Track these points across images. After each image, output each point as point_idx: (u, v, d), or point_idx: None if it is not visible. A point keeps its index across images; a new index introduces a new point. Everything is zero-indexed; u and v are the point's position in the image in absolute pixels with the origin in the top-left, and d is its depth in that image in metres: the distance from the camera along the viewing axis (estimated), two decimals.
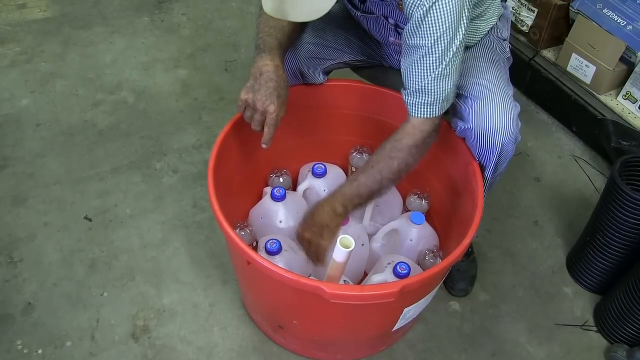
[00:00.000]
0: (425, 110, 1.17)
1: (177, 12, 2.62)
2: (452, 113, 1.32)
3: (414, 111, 1.18)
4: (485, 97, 1.23)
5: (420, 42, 1.09)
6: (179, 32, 2.51)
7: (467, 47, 1.33)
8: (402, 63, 1.17)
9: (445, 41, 1.08)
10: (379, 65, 1.53)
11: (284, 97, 1.23)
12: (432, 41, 1.08)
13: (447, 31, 1.07)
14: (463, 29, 1.10)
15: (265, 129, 1.23)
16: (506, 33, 1.46)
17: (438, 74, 1.12)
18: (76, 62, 2.31)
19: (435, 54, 1.10)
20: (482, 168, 1.30)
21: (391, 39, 1.36)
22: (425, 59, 1.11)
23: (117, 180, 1.84)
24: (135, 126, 2.03)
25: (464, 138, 1.30)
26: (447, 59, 1.11)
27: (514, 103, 1.26)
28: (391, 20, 1.29)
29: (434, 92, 1.14)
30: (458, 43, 1.10)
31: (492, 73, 1.28)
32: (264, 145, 1.24)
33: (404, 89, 1.19)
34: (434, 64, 1.11)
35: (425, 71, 1.12)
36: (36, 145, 1.94)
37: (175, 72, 2.29)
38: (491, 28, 1.41)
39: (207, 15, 2.62)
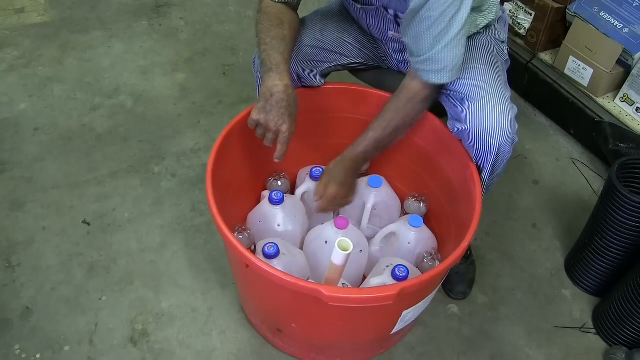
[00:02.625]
0: (436, 76, 1.21)
1: (175, 16, 2.63)
2: (449, 114, 1.33)
3: (424, 76, 1.22)
4: (482, 99, 1.24)
5: (428, 12, 1.12)
6: (177, 36, 2.51)
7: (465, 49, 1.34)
8: (407, 35, 1.20)
9: (451, 12, 1.11)
10: (377, 68, 1.54)
11: (295, 114, 1.26)
12: (440, 12, 1.11)
13: (454, 3, 1.11)
14: (468, 3, 1.13)
15: (279, 147, 1.25)
16: (504, 36, 1.47)
17: (447, 43, 1.15)
18: (74, 66, 2.31)
19: (442, 24, 1.13)
20: (480, 170, 1.30)
21: (391, 33, 1.36)
22: (433, 29, 1.14)
23: (115, 184, 1.84)
24: (133, 130, 2.04)
25: (461, 140, 1.30)
26: (456, 28, 1.14)
27: (511, 105, 1.26)
28: (391, 11, 1.30)
29: (444, 59, 1.18)
30: (465, 14, 1.13)
31: (490, 75, 1.29)
32: (276, 160, 1.27)
33: (414, 56, 1.21)
34: (442, 34, 1.14)
35: (434, 40, 1.16)
36: (34, 150, 1.94)
37: (174, 76, 2.29)
38: (489, 29, 1.42)
39: (205, 20, 2.62)
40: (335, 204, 1.40)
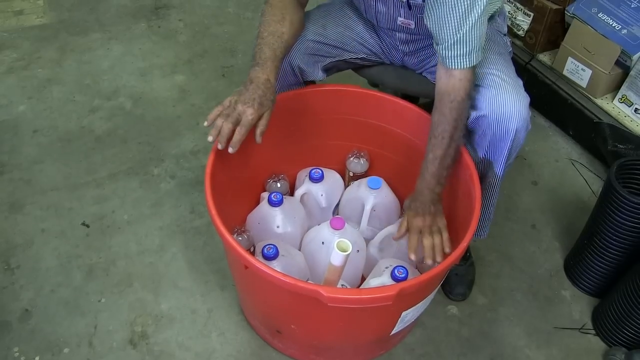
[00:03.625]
0: (466, 60, 1.20)
1: (174, 18, 2.63)
2: None
3: (454, 64, 1.21)
4: (498, 85, 1.26)
5: None
6: (176, 38, 2.51)
7: None
8: (429, 21, 1.20)
9: None
10: (380, 64, 1.54)
11: (267, 107, 1.23)
12: None
13: None
14: None
15: (237, 129, 1.20)
16: (505, 28, 1.50)
17: (472, 24, 1.16)
18: (73, 68, 2.31)
19: (465, 4, 1.14)
20: (489, 165, 1.32)
21: (400, 19, 1.37)
22: (455, 10, 1.15)
23: (114, 186, 1.84)
24: (132, 132, 2.04)
25: (474, 129, 1.31)
26: (478, 9, 1.15)
27: (524, 91, 1.29)
28: None
29: (471, 41, 1.18)
30: None
31: (501, 64, 1.31)
32: (230, 149, 1.20)
33: (438, 45, 1.21)
34: (465, 14, 1.15)
35: (458, 23, 1.16)
36: (33, 152, 1.94)
37: (173, 78, 2.29)
38: (491, 22, 1.43)
39: (204, 21, 2.62)
40: (425, 233, 1.30)
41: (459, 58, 1.20)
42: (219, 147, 1.22)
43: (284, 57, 1.33)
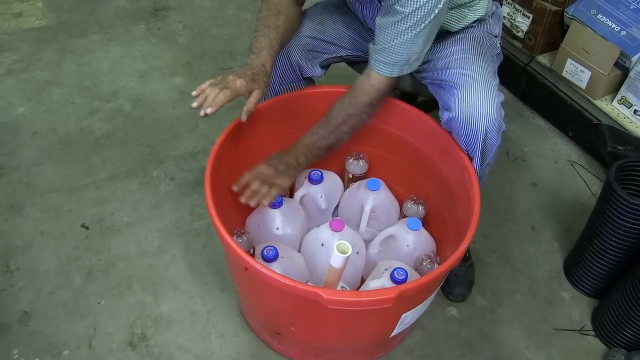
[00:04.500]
0: (387, 68, 1.26)
1: (174, 20, 2.63)
2: (440, 106, 1.35)
3: (376, 67, 1.27)
4: (468, 86, 1.27)
5: (400, 8, 1.16)
6: (175, 40, 2.51)
7: (456, 40, 1.38)
8: (377, 20, 1.24)
9: (422, 13, 1.16)
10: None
11: (257, 85, 1.22)
12: (411, 10, 1.16)
13: (427, 4, 1.14)
14: (442, 5, 1.16)
15: (222, 91, 1.17)
16: (497, 30, 1.50)
17: (407, 40, 1.20)
18: (73, 70, 2.31)
19: (410, 21, 1.17)
20: (470, 160, 1.33)
21: None
22: (400, 24, 1.19)
23: (114, 188, 1.84)
24: (132, 134, 2.04)
25: (450, 131, 1.32)
26: (419, 29, 1.19)
27: (497, 92, 1.28)
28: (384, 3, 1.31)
29: (400, 54, 1.23)
30: (433, 17, 1.17)
31: (478, 64, 1.31)
32: (209, 110, 1.15)
33: (373, 44, 1.26)
34: (406, 30, 1.19)
35: (396, 34, 1.20)
36: (33, 154, 1.94)
37: (172, 80, 2.29)
38: (483, 23, 1.44)
39: (203, 23, 2.63)
40: (259, 180, 1.30)
41: (383, 64, 1.26)
42: (201, 113, 1.16)
43: (280, 48, 1.35)
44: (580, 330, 1.55)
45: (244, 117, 1.24)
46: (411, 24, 1.17)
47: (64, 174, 1.88)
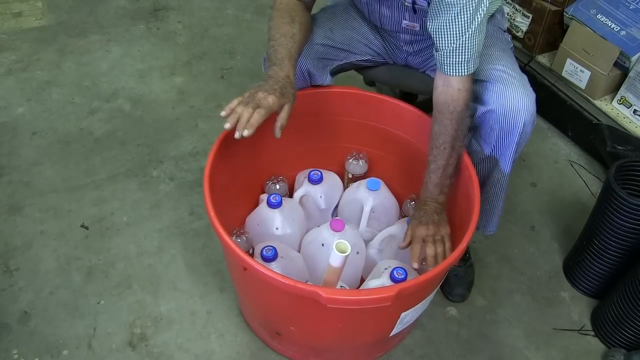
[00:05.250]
0: (464, 67, 1.22)
1: (173, 20, 2.63)
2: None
3: (452, 71, 1.23)
4: (505, 80, 1.27)
5: (453, 0, 1.15)
6: (175, 40, 2.51)
7: None
8: (431, 25, 1.21)
9: None
10: (383, 64, 1.54)
11: (287, 99, 1.18)
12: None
13: None
14: None
15: (256, 111, 1.12)
16: (505, 25, 1.51)
17: (474, 30, 1.18)
18: (72, 70, 2.31)
19: (470, 8, 1.15)
20: (496, 161, 1.33)
21: (404, 22, 1.38)
22: (460, 16, 1.16)
23: (113, 188, 1.84)
24: (131, 134, 2.04)
25: (480, 124, 1.31)
26: (480, 15, 1.17)
27: (531, 87, 1.30)
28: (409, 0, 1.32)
29: (471, 48, 1.20)
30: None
31: (506, 60, 1.33)
32: (245, 132, 1.10)
33: (438, 51, 1.23)
34: (470, 19, 1.16)
35: (462, 29, 1.18)
36: (32, 154, 1.94)
37: (172, 80, 2.29)
38: (492, 19, 1.45)
39: (203, 23, 2.63)
40: (428, 242, 1.27)
41: (457, 65, 1.22)
42: (237, 135, 1.11)
43: (298, 57, 1.32)
44: (580, 330, 1.55)
45: (278, 134, 1.17)
46: (472, 10, 1.15)
47: (64, 174, 1.88)
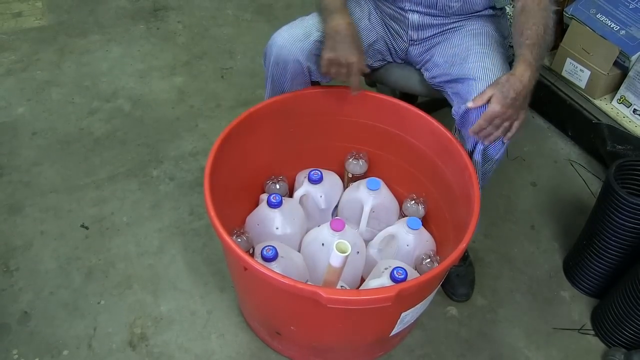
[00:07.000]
0: None
1: (173, 20, 2.63)
2: (455, 102, 1.35)
3: None
4: (488, 78, 1.28)
5: None
6: (174, 40, 2.51)
7: (473, 35, 1.40)
8: None
9: None
10: (383, 65, 1.54)
11: (361, 48, 1.34)
12: None
13: None
14: None
15: (352, 79, 1.34)
16: (507, 32, 1.52)
17: None
18: (72, 70, 2.31)
19: None
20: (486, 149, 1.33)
21: None
22: None
23: (113, 188, 1.84)
24: (131, 134, 2.04)
25: (464, 123, 1.31)
26: None
27: None
28: None
29: None
30: None
31: (496, 58, 1.34)
32: (353, 93, 1.38)
33: None
34: None
35: None
36: (32, 154, 1.94)
37: (172, 80, 2.29)
38: (496, 22, 1.47)
39: (202, 23, 2.62)
40: (495, 125, 1.23)
41: None
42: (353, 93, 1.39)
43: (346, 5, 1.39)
44: (580, 329, 1.55)
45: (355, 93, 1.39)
46: None
47: (64, 174, 1.88)
